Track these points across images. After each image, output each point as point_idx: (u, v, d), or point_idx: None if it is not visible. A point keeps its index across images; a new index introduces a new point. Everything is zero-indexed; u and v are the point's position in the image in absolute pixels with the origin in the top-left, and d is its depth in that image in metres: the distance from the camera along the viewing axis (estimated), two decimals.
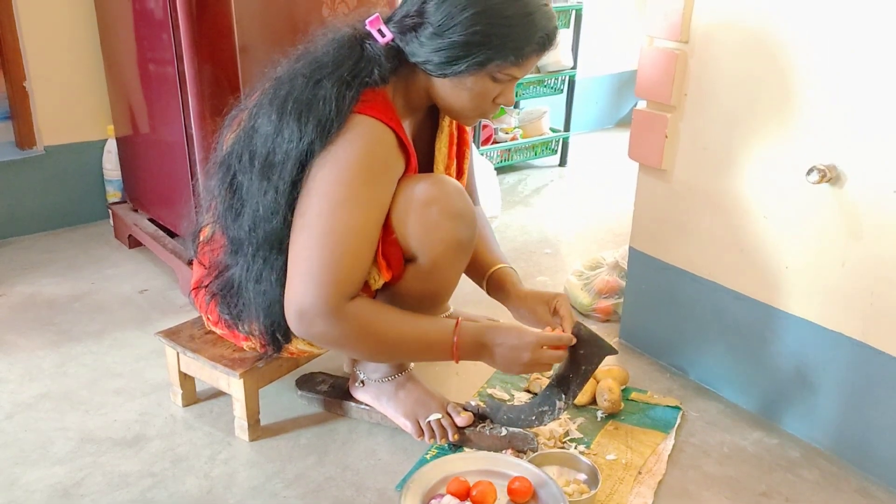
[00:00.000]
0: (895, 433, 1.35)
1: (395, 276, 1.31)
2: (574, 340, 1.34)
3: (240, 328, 1.39)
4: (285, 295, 1.22)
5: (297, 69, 1.24)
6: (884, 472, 1.39)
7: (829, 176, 1.32)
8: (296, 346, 1.39)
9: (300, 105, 1.20)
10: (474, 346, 1.29)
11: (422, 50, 1.23)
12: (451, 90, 1.27)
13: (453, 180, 1.32)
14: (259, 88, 1.31)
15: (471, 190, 1.58)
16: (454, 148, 1.48)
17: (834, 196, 1.35)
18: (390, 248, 1.28)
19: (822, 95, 1.33)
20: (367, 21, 1.26)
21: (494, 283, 1.50)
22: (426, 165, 1.43)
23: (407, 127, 1.34)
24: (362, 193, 1.21)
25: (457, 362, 1.30)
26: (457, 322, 1.29)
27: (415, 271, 1.31)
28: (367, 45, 1.25)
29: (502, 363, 1.31)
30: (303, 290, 1.19)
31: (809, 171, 1.33)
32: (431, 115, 1.43)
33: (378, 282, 1.30)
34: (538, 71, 3.14)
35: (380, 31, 1.25)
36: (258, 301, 1.30)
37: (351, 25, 1.29)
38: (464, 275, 1.46)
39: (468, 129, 1.51)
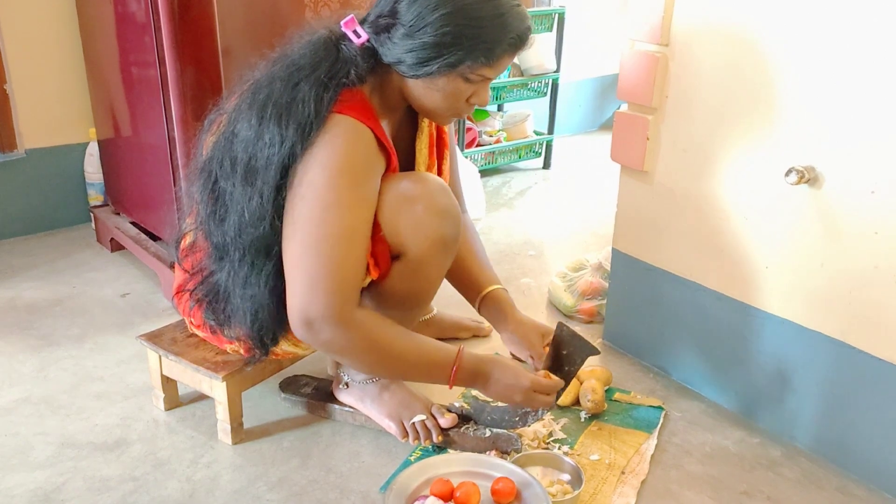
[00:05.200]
0: (875, 431, 1.37)
1: (381, 273, 1.31)
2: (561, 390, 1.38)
3: (225, 333, 1.38)
4: (289, 304, 1.21)
5: (274, 72, 1.24)
6: (863, 470, 1.40)
7: (807, 177, 1.34)
8: (281, 348, 1.39)
9: (279, 109, 1.20)
10: (471, 376, 1.32)
11: (394, 50, 1.23)
12: (423, 91, 1.27)
13: (437, 178, 1.32)
14: (237, 92, 1.30)
15: (457, 194, 1.58)
16: (434, 148, 1.48)
17: (812, 197, 1.36)
18: (378, 246, 1.28)
19: (801, 97, 1.35)
20: (342, 22, 1.26)
21: (489, 304, 1.52)
22: (407, 166, 1.43)
23: (386, 127, 1.34)
24: (350, 194, 1.20)
25: (450, 388, 1.31)
26: (459, 350, 1.30)
27: (400, 269, 1.31)
28: (343, 47, 1.25)
29: (494, 396, 1.35)
30: (309, 299, 1.18)
31: (788, 173, 1.34)
32: (411, 116, 1.43)
33: (365, 280, 1.30)
34: (521, 74, 3.15)
35: (355, 31, 1.25)
36: (246, 306, 1.29)
37: (327, 27, 1.29)
38: (446, 280, 1.47)
39: (447, 128, 1.51)
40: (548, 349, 1.44)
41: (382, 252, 1.29)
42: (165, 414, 1.57)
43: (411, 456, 1.44)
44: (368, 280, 1.30)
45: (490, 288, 1.53)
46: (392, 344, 1.25)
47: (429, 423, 1.45)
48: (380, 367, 1.31)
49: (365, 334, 1.22)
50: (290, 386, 1.61)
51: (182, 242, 1.42)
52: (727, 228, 1.52)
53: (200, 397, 1.61)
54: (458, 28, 1.19)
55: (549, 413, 1.51)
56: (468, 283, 1.53)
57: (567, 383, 1.41)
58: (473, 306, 1.55)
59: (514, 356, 1.52)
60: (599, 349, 1.38)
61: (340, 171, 1.20)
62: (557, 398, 1.41)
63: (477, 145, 3.09)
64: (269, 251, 1.24)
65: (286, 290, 1.22)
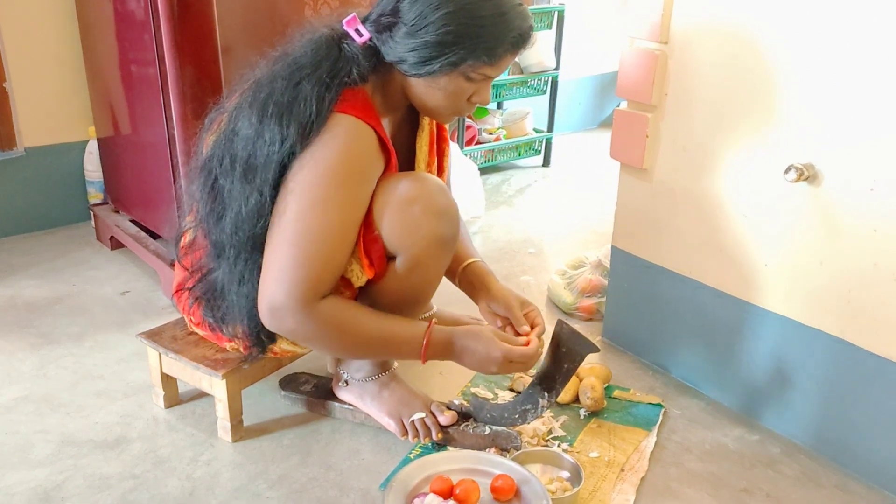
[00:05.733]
0: (874, 429, 1.37)
1: (377, 273, 1.31)
2: (539, 357, 1.36)
3: (224, 330, 1.38)
4: (259, 291, 1.23)
5: (275, 71, 1.24)
6: (863, 467, 1.41)
7: (806, 174, 1.34)
8: (279, 347, 1.39)
9: (280, 107, 1.20)
10: (443, 350, 1.32)
11: (396, 49, 1.23)
12: (425, 89, 1.27)
13: (435, 178, 1.32)
14: (238, 90, 1.31)
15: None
16: (434, 146, 1.48)
17: (811, 194, 1.36)
18: (373, 246, 1.28)
19: (800, 95, 1.35)
20: (344, 21, 1.27)
21: (469, 276, 1.50)
22: (407, 164, 1.44)
23: (387, 125, 1.35)
24: (339, 193, 1.21)
25: (423, 363, 1.31)
26: (429, 325, 1.30)
27: (397, 269, 1.31)
28: (345, 45, 1.25)
29: (470, 368, 1.34)
30: (274, 288, 1.20)
31: (787, 170, 1.34)
32: (411, 114, 1.43)
33: (361, 279, 1.30)
34: (521, 72, 3.15)
35: (357, 30, 1.26)
36: (241, 303, 1.29)
37: (328, 26, 1.29)
38: None
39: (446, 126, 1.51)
40: (527, 316, 1.42)
41: (377, 252, 1.29)
42: (165, 412, 1.57)
43: (411, 453, 1.44)
44: (364, 279, 1.31)
45: (469, 260, 1.51)
46: (358, 329, 1.26)
47: (428, 421, 1.45)
48: (350, 352, 1.35)
49: (327, 323, 1.23)
50: (289, 384, 1.61)
51: (182, 240, 1.43)
52: (726, 226, 1.52)
53: (200, 395, 1.61)
54: (460, 27, 1.19)
55: (548, 410, 1.51)
56: None
57: (567, 381, 1.41)
58: (453, 281, 1.53)
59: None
60: (599, 347, 1.38)
61: (334, 170, 1.20)
62: (557, 395, 1.41)
63: (476, 143, 3.09)
64: (264, 249, 1.24)
65: (260, 278, 1.23)
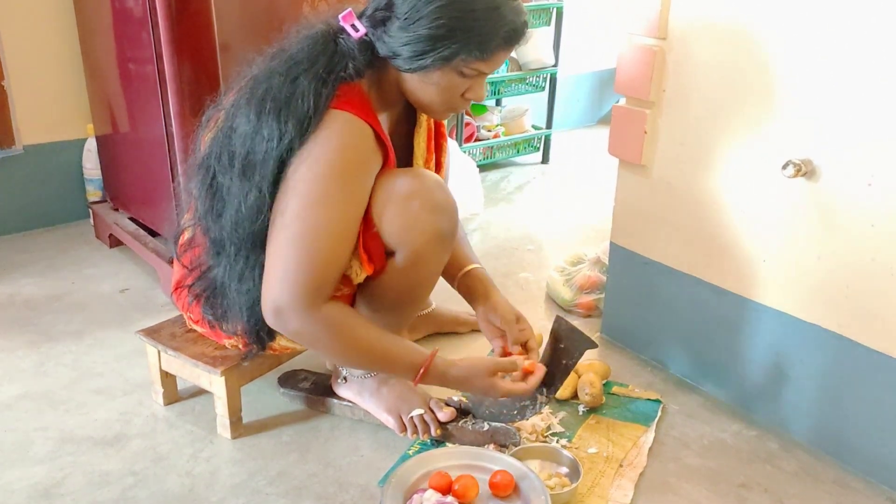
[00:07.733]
0: (872, 424, 1.37)
1: (376, 269, 1.31)
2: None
3: (223, 327, 1.39)
4: (262, 292, 1.23)
5: (273, 67, 1.24)
6: (861, 462, 1.41)
7: (804, 170, 1.34)
8: (279, 343, 1.39)
9: (278, 103, 1.20)
10: (439, 381, 1.32)
11: (390, 44, 1.23)
12: (419, 85, 1.27)
13: (433, 174, 1.32)
14: (235, 87, 1.31)
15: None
16: (432, 142, 1.48)
17: (809, 190, 1.36)
18: (372, 242, 1.28)
19: (798, 90, 1.35)
20: (340, 16, 1.27)
21: (468, 282, 1.50)
22: (405, 160, 1.44)
23: (384, 121, 1.35)
24: (339, 191, 1.21)
25: (415, 386, 1.33)
26: (430, 356, 1.29)
27: (396, 265, 1.31)
28: (341, 41, 1.25)
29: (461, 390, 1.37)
30: (279, 288, 1.20)
31: (785, 166, 1.35)
32: (409, 110, 1.43)
33: (360, 276, 1.30)
34: (520, 69, 3.15)
35: (353, 25, 1.26)
36: (241, 300, 1.30)
37: (324, 21, 1.29)
38: None
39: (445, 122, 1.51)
40: (520, 335, 1.43)
41: (376, 248, 1.29)
42: (164, 409, 1.57)
43: (410, 450, 1.44)
44: (363, 276, 1.31)
45: (470, 266, 1.51)
46: (358, 338, 1.26)
47: (427, 418, 1.45)
48: (347, 359, 1.36)
49: (330, 327, 1.23)
50: (288, 380, 1.61)
51: (181, 238, 1.43)
52: (725, 222, 1.52)
53: (199, 392, 1.61)
54: (452, 20, 1.19)
55: (547, 407, 1.51)
56: (448, 261, 1.48)
57: (565, 377, 1.41)
58: (452, 285, 1.53)
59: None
60: (597, 343, 1.39)
61: (333, 167, 1.20)
62: (555, 391, 1.42)
63: (475, 140, 3.08)
64: (264, 246, 1.25)
65: (263, 279, 1.23)
